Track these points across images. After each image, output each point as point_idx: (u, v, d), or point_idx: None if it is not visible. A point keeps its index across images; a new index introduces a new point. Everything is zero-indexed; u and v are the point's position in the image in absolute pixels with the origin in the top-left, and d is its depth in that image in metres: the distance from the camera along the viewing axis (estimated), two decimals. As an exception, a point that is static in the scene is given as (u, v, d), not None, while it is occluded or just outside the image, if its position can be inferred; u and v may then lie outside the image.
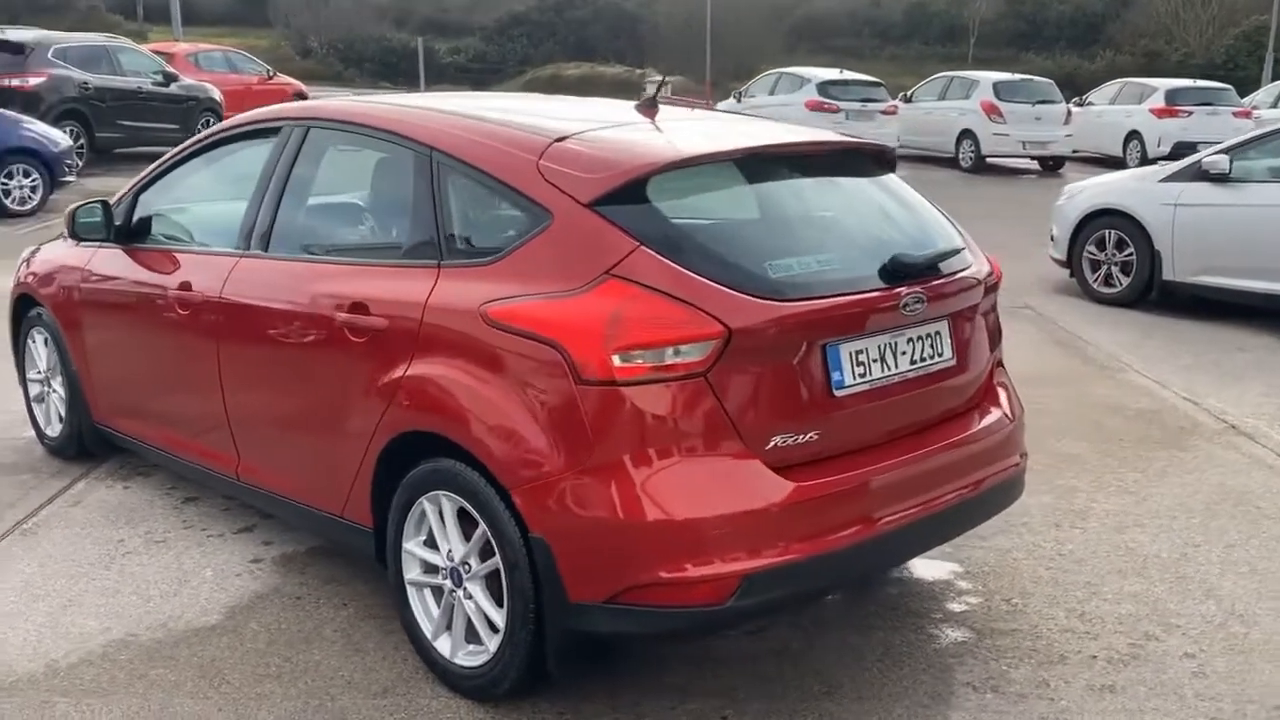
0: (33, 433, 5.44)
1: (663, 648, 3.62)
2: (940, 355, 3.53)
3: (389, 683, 3.45)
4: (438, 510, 3.36)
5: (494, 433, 3.14)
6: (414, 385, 3.34)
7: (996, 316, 3.91)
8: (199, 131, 17.19)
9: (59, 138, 13.38)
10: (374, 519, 3.59)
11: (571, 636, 3.13)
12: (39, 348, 5.28)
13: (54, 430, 5.28)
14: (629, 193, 3.18)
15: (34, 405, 5.40)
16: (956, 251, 3.68)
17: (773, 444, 3.10)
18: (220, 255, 4.19)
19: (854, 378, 3.26)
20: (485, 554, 3.25)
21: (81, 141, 15.90)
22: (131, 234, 4.63)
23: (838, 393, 3.22)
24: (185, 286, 4.24)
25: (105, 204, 4.67)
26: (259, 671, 3.51)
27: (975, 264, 3.75)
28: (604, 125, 3.63)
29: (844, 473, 3.21)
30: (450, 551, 3.35)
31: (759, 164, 3.58)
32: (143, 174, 4.80)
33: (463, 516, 3.30)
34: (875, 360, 3.32)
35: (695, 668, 3.54)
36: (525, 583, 3.10)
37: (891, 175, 3.91)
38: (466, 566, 3.30)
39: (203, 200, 4.71)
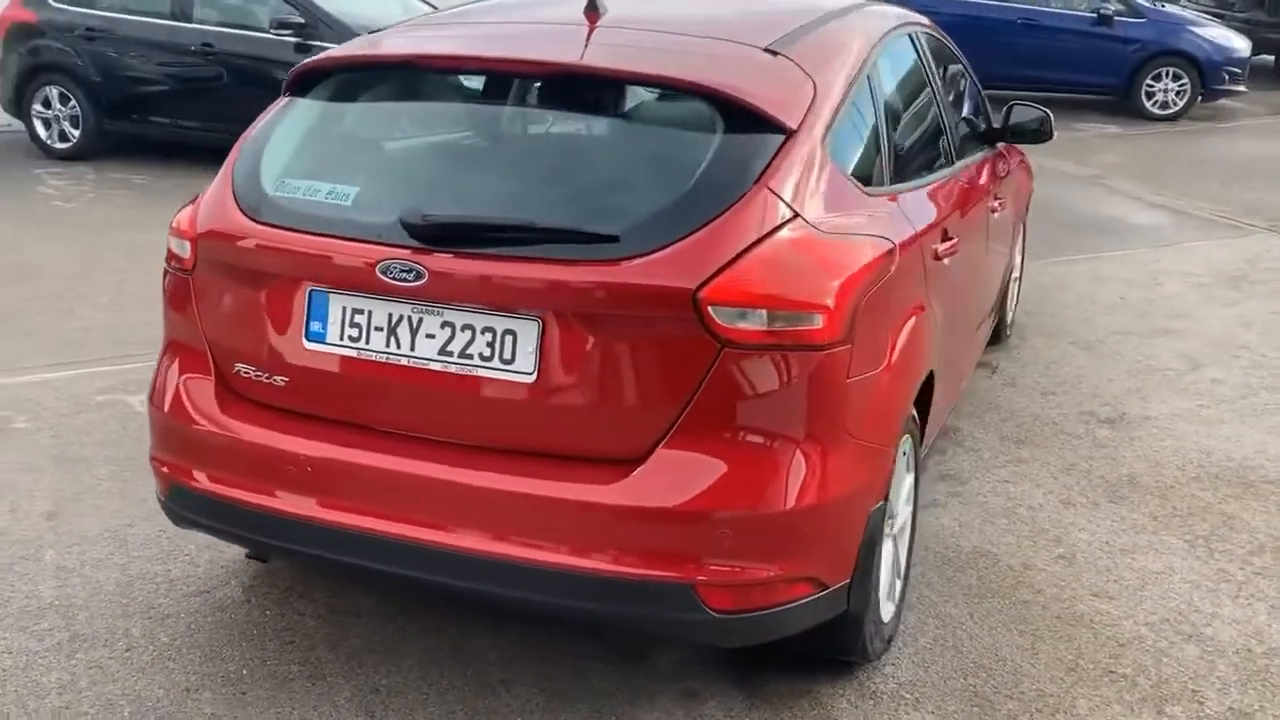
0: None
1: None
2: (508, 362, 2.72)
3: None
4: None
5: None
6: None
7: (739, 355, 2.63)
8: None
9: (1229, 43, 12.74)
10: None
11: None
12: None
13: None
14: (297, 90, 3.26)
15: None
16: (579, 235, 2.72)
17: (238, 370, 3.04)
18: None
19: (340, 338, 2.85)
20: None
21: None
22: None
23: (309, 345, 2.89)
24: None
25: None
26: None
27: (647, 269, 2.63)
28: (421, 25, 3.64)
29: (284, 433, 2.94)
30: None
31: (446, 76, 3.36)
32: None
33: None
34: (379, 329, 2.81)
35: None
36: None
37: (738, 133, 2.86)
38: None
39: None
